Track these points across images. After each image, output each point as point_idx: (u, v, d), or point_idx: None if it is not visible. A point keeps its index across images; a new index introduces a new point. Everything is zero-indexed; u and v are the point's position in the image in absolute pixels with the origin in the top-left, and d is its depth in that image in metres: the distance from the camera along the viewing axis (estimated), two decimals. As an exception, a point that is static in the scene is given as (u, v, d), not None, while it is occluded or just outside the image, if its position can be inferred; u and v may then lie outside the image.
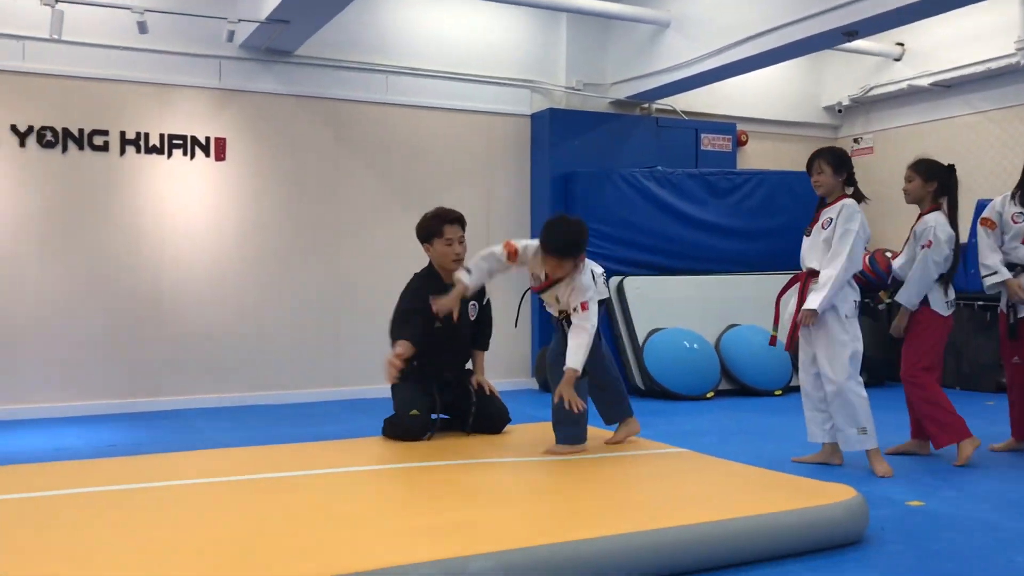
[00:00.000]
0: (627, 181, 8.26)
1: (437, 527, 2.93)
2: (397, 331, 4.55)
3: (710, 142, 9.12)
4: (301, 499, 3.34)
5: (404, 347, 4.37)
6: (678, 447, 4.52)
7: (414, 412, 4.51)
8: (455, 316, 4.44)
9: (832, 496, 3.32)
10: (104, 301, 7.05)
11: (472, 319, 4.79)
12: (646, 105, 8.98)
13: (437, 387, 4.64)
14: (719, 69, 7.59)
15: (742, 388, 7.77)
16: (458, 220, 4.66)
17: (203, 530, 2.91)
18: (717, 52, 7.49)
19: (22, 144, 6.83)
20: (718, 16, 7.54)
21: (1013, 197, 4.99)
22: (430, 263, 4.76)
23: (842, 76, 9.93)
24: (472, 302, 4.78)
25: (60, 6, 6.31)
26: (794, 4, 6.72)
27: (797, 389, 5.18)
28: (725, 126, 9.30)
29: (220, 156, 7.41)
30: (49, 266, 6.90)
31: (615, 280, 8.03)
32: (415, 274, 4.77)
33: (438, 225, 4.63)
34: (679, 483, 3.68)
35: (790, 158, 9.74)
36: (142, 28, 6.56)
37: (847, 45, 7.96)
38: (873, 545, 3.25)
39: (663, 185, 8.36)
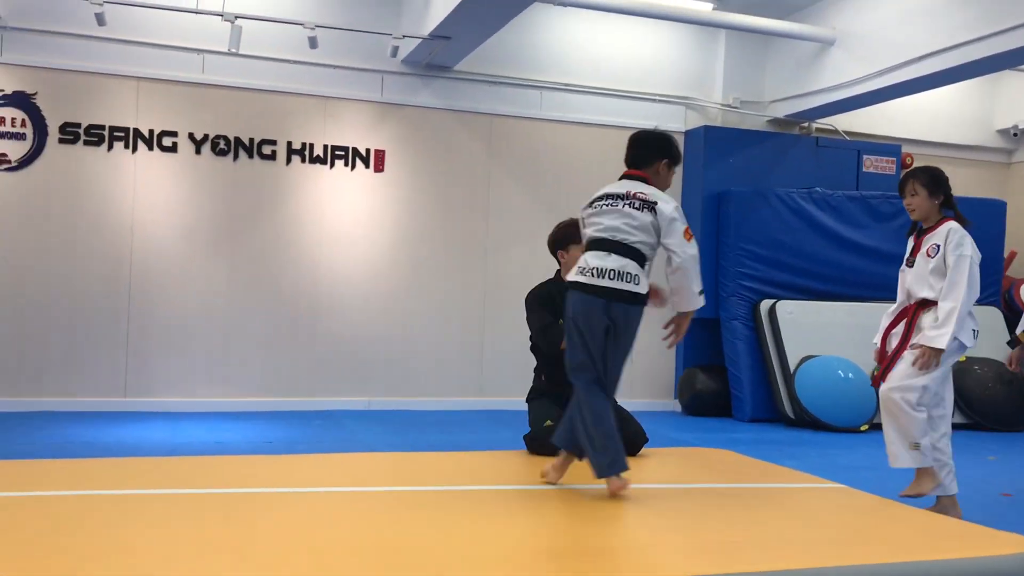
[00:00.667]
0: (783, 202, 8.03)
1: (575, 552, 2.90)
2: (554, 331, 4.52)
3: (872, 164, 8.77)
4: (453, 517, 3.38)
5: None
6: (834, 482, 4.33)
7: (548, 423, 4.50)
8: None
9: (1005, 546, 3.10)
10: (266, 302, 7.38)
11: None
12: (805, 124, 8.72)
13: (568, 403, 4.59)
14: (887, 89, 7.28)
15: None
16: None
17: (353, 537, 2.99)
18: (886, 71, 7.20)
19: (198, 151, 7.23)
20: (887, 33, 7.24)
21: None
22: (556, 273, 4.74)
23: (1019, 97, 9.36)
24: None
25: (239, 22, 6.66)
26: (974, 22, 6.39)
27: (959, 426, 4.86)
28: (889, 147, 8.92)
29: (379, 167, 7.64)
30: (217, 267, 7.28)
31: (767, 303, 7.81)
32: (534, 288, 4.72)
33: (577, 231, 4.60)
34: (838, 520, 3.52)
35: (959, 183, 9.14)
36: (312, 43, 6.84)
37: (1028, 64, 7.50)
38: (1051, 603, 3.02)
39: (821, 207, 8.08)
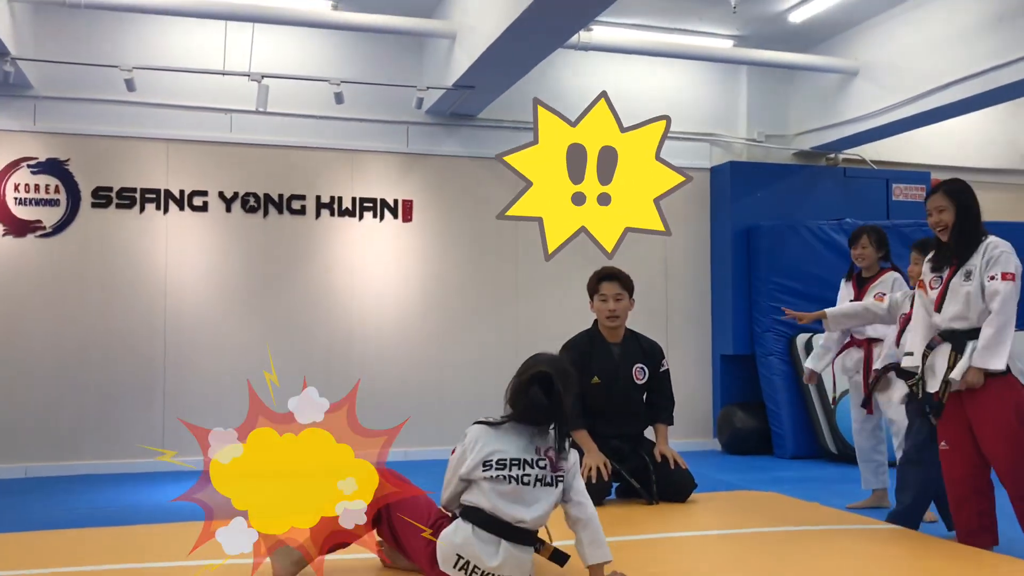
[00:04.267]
0: (814, 234, 7.97)
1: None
2: (570, 420, 4.55)
3: (902, 192, 8.70)
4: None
5: (599, 457, 4.44)
6: (886, 522, 4.22)
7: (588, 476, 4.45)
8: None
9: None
10: (300, 357, 7.36)
11: (640, 382, 4.66)
12: (832, 155, 8.68)
13: (610, 454, 4.52)
14: (914, 118, 7.26)
15: (945, 454, 7.26)
16: (615, 277, 4.67)
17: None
18: (911, 100, 7.18)
19: (228, 209, 7.29)
20: (912, 62, 7.22)
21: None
22: (594, 322, 4.76)
23: (1046, 118, 9.30)
24: (639, 365, 4.66)
25: (266, 81, 6.74)
26: (998, 48, 6.36)
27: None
28: (918, 175, 8.85)
29: (407, 217, 7.67)
30: (250, 323, 7.29)
31: (803, 337, 7.72)
32: (566, 342, 4.70)
33: (595, 282, 4.69)
34: (901, 564, 3.42)
35: (990, 207, 9.05)
36: (338, 99, 6.91)
37: (1055, 87, 7.44)
38: None
39: (852, 238, 8.00)
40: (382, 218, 7.62)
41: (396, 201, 7.66)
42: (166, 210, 7.16)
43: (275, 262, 7.38)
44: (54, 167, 6.94)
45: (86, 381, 6.94)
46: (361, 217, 7.57)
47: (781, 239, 7.96)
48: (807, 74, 8.30)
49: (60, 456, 6.84)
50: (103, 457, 6.92)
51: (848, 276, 5.35)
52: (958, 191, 3.97)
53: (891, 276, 5.08)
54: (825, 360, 5.38)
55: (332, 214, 7.51)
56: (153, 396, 7.06)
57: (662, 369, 4.76)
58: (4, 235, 6.84)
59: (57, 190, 6.94)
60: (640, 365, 4.68)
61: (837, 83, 8.04)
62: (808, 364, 5.55)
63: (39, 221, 6.90)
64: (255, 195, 7.34)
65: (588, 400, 4.62)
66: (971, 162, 9.33)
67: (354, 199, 7.55)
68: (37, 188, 6.90)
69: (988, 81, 6.50)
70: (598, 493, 4.48)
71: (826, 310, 5.09)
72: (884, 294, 4.91)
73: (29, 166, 6.89)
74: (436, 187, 7.77)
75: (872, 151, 8.78)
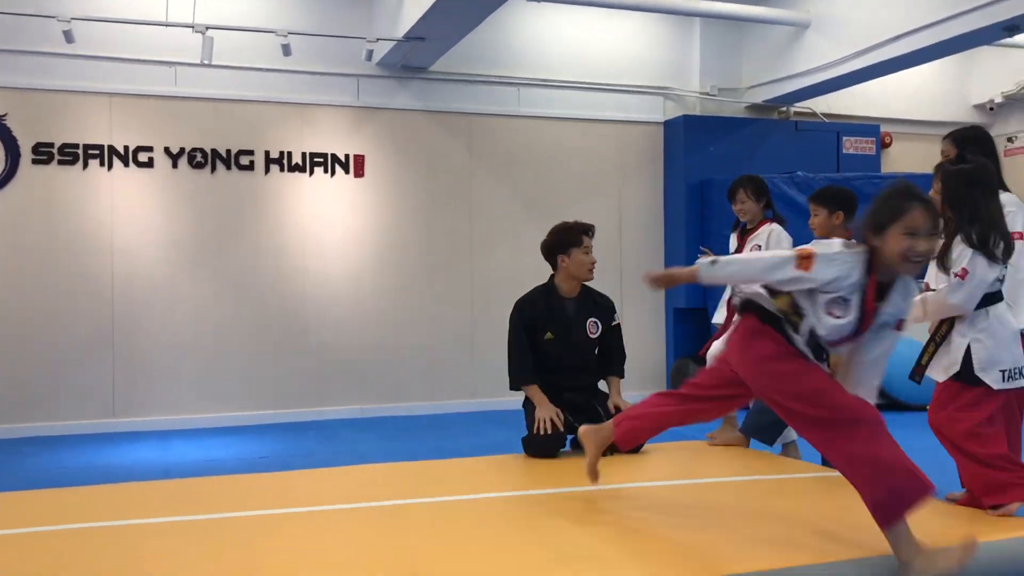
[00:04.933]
0: (765, 187, 8.01)
1: (593, 557, 2.86)
2: (519, 376, 4.62)
3: (852, 145, 8.77)
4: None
5: (550, 408, 4.47)
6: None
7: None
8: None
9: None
10: (252, 314, 7.29)
11: (593, 337, 4.68)
12: (784, 108, 8.72)
13: (564, 407, 4.55)
14: (865, 70, 7.30)
15: (891, 402, 7.42)
16: (592, 229, 4.69)
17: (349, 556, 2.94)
18: (862, 52, 7.20)
19: (174, 165, 7.14)
20: (862, 15, 7.24)
21: None
22: (550, 279, 4.73)
23: (994, 71, 9.40)
24: (592, 319, 4.68)
25: (210, 33, 6.56)
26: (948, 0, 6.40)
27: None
28: (868, 128, 8.93)
29: (359, 172, 7.57)
30: (200, 281, 7.18)
31: (754, 290, 7.80)
32: (519, 300, 4.71)
33: (576, 235, 4.61)
34: (853, 511, 3.49)
35: (938, 160, 9.25)
36: (286, 51, 6.76)
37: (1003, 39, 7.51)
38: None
39: (804, 191, 8.05)
40: (333, 173, 7.51)
41: (347, 156, 7.55)
42: (110, 166, 6.99)
43: (224, 219, 7.26)
44: (-9, 122, 6.73)
45: (32, 343, 6.80)
46: (312, 172, 7.46)
47: (734, 192, 7.99)
48: (759, 27, 8.29)
49: (7, 419, 6.70)
50: (53, 419, 6.80)
51: (734, 228, 5.26)
52: (961, 137, 3.86)
53: (766, 229, 5.00)
54: None
55: (282, 169, 7.38)
56: (102, 357, 6.94)
57: (614, 323, 4.80)
58: (-59, 193, 6.64)
59: (-5, 146, 6.73)
60: (594, 319, 4.70)
61: (789, 36, 8.05)
62: None
63: (-23, 178, 6.70)
64: (202, 151, 7.18)
65: (541, 355, 4.63)
66: (922, 115, 9.45)
67: (304, 154, 7.43)
68: (-26, 144, 6.68)
69: (938, 33, 6.54)
70: (552, 444, 4.51)
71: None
72: (760, 246, 4.91)
73: (-35, 121, 6.68)
74: (388, 141, 7.67)
75: (823, 104, 8.84)
